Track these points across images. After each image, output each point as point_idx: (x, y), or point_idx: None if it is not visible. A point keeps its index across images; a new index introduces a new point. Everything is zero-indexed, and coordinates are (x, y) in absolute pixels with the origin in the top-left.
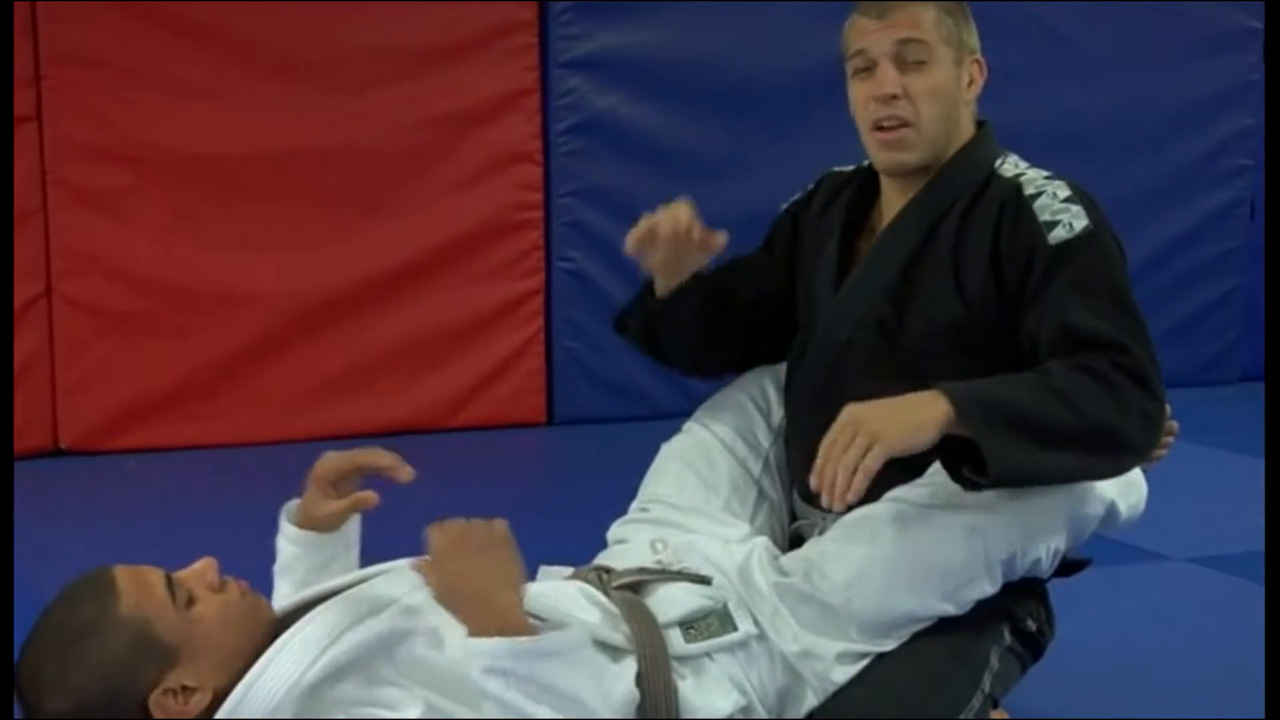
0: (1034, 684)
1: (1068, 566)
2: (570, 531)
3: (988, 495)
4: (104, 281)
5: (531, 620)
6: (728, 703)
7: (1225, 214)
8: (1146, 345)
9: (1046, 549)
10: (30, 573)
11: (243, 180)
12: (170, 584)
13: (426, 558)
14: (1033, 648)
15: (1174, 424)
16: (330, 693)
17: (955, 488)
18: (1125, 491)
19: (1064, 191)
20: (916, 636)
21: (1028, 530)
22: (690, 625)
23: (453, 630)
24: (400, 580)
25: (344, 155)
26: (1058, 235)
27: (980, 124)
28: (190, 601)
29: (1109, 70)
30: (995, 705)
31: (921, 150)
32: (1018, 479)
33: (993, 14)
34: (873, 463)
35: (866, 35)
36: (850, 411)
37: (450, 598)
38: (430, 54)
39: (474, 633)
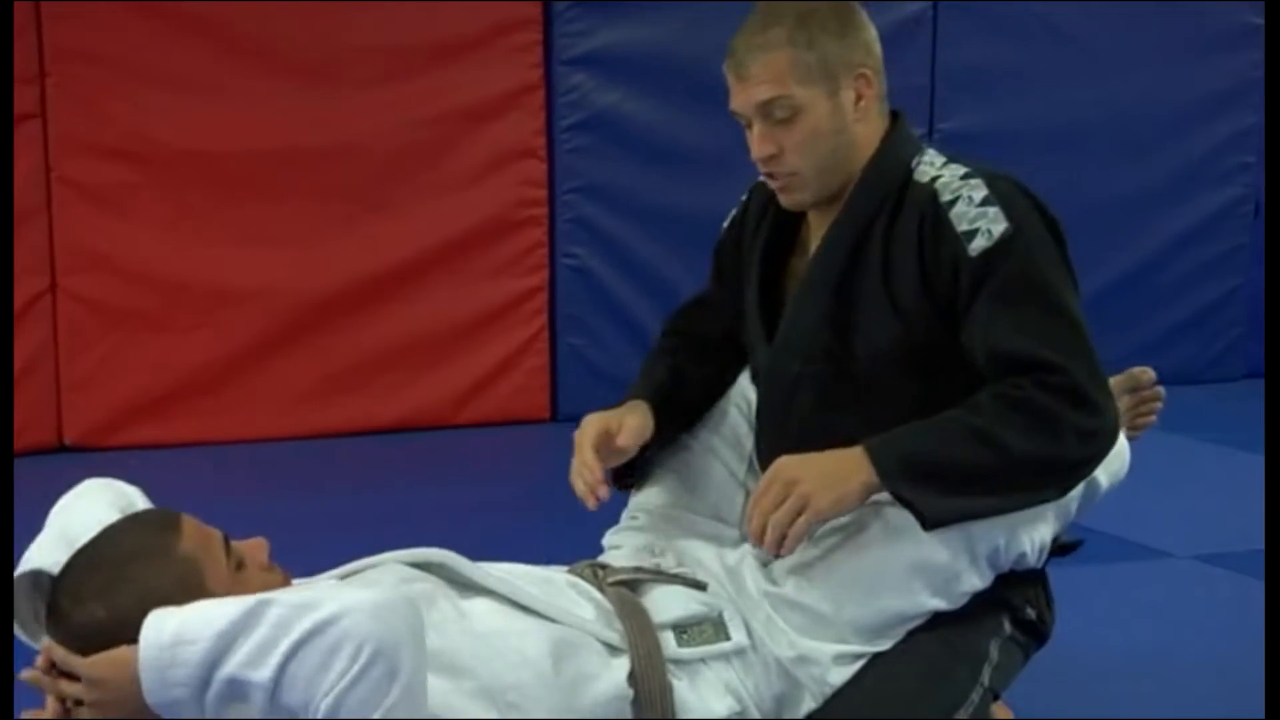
0: (1036, 681)
1: (1062, 548)
2: (574, 529)
3: None
4: (108, 278)
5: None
6: (723, 705)
7: (1229, 211)
8: (1082, 353)
9: (1031, 538)
10: None
11: (247, 177)
12: (227, 545)
13: None
14: (1034, 635)
15: (1159, 389)
16: None
17: None
18: (1107, 461)
19: (979, 193)
20: (914, 634)
21: (1011, 521)
22: (684, 630)
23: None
24: (389, 573)
25: (348, 152)
26: (978, 245)
27: (894, 116)
28: (240, 566)
29: (1112, 68)
30: (996, 698)
31: (816, 188)
32: (955, 522)
33: (997, 12)
34: (804, 527)
35: (733, 94)
36: (782, 468)
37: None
38: (434, 51)
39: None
